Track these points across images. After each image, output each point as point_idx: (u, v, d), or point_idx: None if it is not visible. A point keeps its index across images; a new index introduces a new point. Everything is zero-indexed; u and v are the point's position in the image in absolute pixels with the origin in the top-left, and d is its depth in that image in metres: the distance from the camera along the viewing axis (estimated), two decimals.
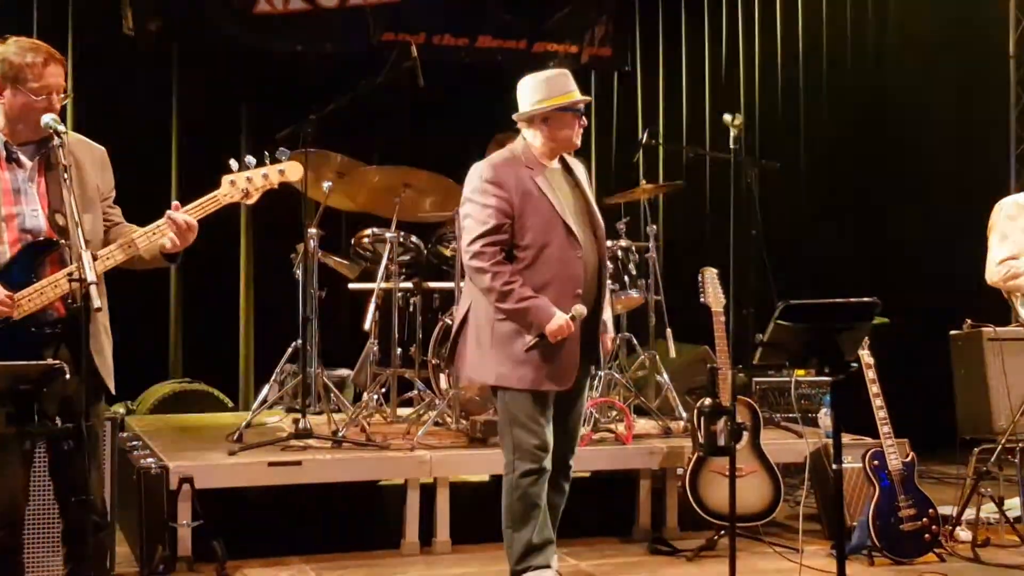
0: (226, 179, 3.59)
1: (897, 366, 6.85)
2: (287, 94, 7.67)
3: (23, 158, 3.52)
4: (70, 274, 3.35)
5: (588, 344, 4.44)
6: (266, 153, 3.67)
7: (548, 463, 4.36)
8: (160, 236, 3.50)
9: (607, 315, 4.61)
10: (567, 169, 4.56)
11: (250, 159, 3.63)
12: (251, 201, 3.62)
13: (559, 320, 4.23)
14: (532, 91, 4.43)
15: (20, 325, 3.39)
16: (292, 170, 3.65)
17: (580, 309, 4.25)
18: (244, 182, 3.58)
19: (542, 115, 4.41)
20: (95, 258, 3.36)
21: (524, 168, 4.39)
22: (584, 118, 4.51)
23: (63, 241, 3.43)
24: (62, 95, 3.50)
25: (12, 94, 3.45)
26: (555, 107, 4.39)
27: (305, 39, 7.73)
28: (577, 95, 4.44)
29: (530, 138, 4.46)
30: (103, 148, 3.71)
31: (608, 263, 4.81)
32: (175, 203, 3.54)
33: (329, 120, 7.76)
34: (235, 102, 7.58)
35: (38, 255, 3.46)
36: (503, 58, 8.12)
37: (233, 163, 3.63)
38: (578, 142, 4.50)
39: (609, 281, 4.82)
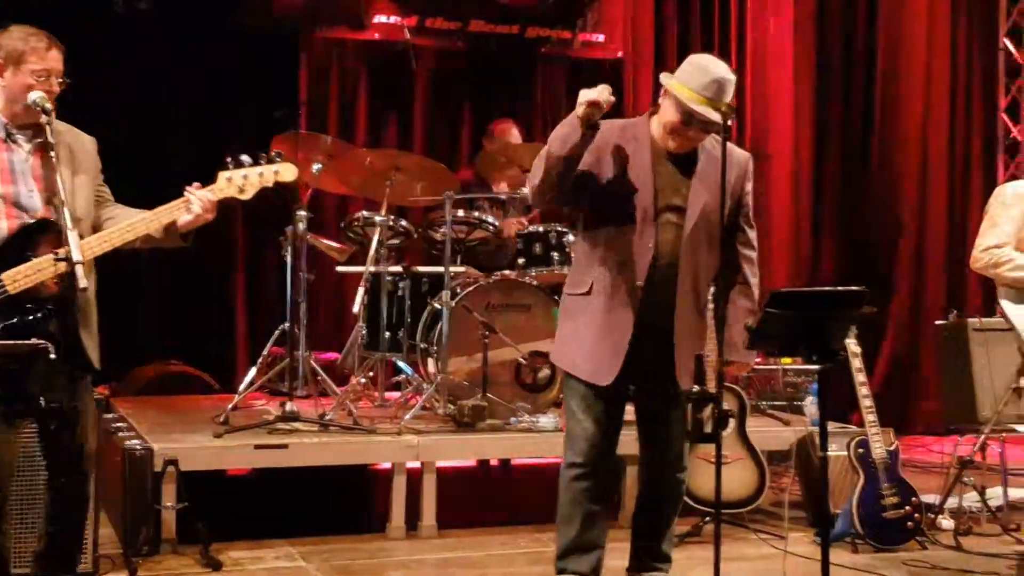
0: (222, 175, 3.74)
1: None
2: (280, 75, 7.66)
3: (21, 140, 3.64)
4: (56, 254, 3.40)
5: (661, 353, 4.03)
6: (262, 155, 3.80)
7: (597, 463, 4.07)
8: (174, 215, 3.65)
9: (739, 337, 4.02)
10: (692, 160, 4.04)
11: (246, 158, 3.79)
12: (245, 197, 3.77)
13: (587, 96, 3.74)
14: (684, 66, 3.99)
15: (14, 302, 3.46)
16: (286, 171, 3.81)
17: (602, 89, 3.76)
18: (240, 179, 3.74)
19: (664, 90, 3.99)
20: (81, 237, 3.46)
21: (631, 139, 4.00)
22: (698, 132, 3.97)
23: (59, 221, 3.52)
24: (60, 80, 3.63)
25: (13, 75, 3.59)
26: (674, 91, 3.93)
27: (296, 20, 7.71)
28: (703, 107, 3.86)
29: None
30: (92, 137, 3.85)
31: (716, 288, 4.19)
32: (195, 184, 3.70)
33: (319, 102, 7.82)
34: (230, 84, 7.55)
35: (34, 235, 3.53)
36: (495, 43, 8.11)
37: (229, 161, 3.78)
38: (671, 146, 4.01)
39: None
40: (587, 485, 4.07)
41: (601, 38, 8.46)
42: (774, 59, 8.84)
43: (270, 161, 3.80)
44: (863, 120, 9.05)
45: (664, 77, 4.00)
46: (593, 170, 3.99)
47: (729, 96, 3.95)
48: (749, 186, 4.19)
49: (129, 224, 3.62)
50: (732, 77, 3.97)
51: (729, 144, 4.05)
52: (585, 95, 3.79)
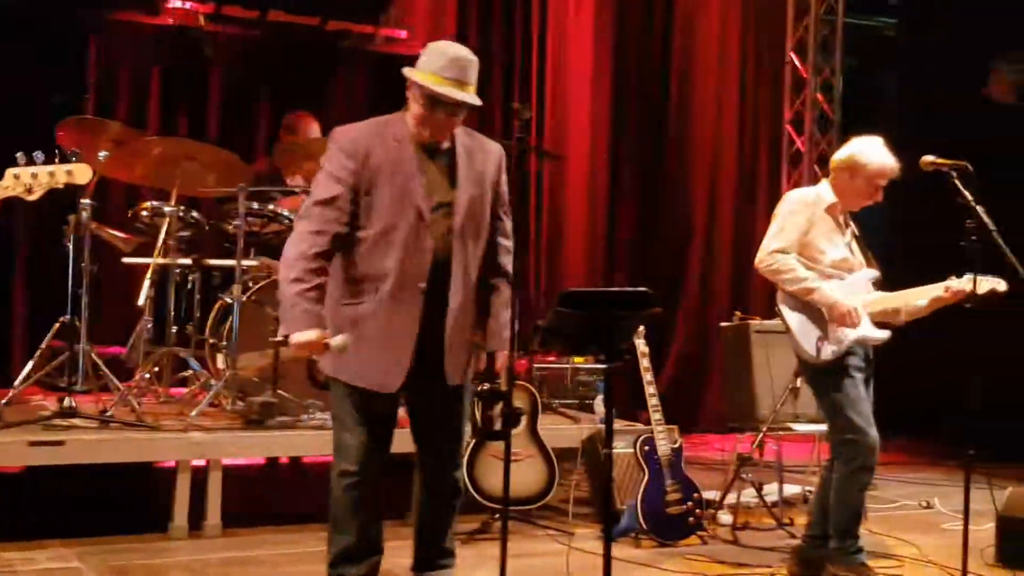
0: (10, 172, 3.57)
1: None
2: (67, 60, 7.36)
3: None
4: None
5: (434, 352, 3.96)
6: (57, 153, 3.60)
7: (371, 469, 3.98)
8: None
9: (501, 327, 4.07)
10: (453, 150, 4.00)
11: (39, 154, 3.55)
12: (33, 197, 3.58)
13: (304, 337, 3.81)
14: (425, 54, 3.90)
15: None
16: (80, 172, 3.64)
17: (341, 341, 3.83)
18: (28, 178, 3.56)
19: (409, 83, 3.91)
20: None
21: (392, 141, 3.93)
22: (447, 117, 3.89)
23: None
24: None
25: None
26: (413, 78, 3.86)
27: (85, 2, 7.42)
28: (445, 88, 3.82)
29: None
30: None
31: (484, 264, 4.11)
32: None
33: (109, 87, 7.55)
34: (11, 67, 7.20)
35: None
36: (294, 33, 7.98)
37: (20, 157, 3.59)
38: (425, 134, 3.93)
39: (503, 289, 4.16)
40: (361, 493, 3.99)
41: (404, 34, 8.44)
42: (574, 61, 9.00)
43: (64, 160, 3.60)
44: (658, 126, 9.30)
45: (405, 70, 3.95)
46: (361, 184, 3.91)
47: (473, 76, 3.92)
48: (504, 176, 4.19)
49: None
50: (474, 58, 3.93)
51: (480, 135, 4.11)
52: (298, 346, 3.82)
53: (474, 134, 4.12)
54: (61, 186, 3.61)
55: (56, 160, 3.61)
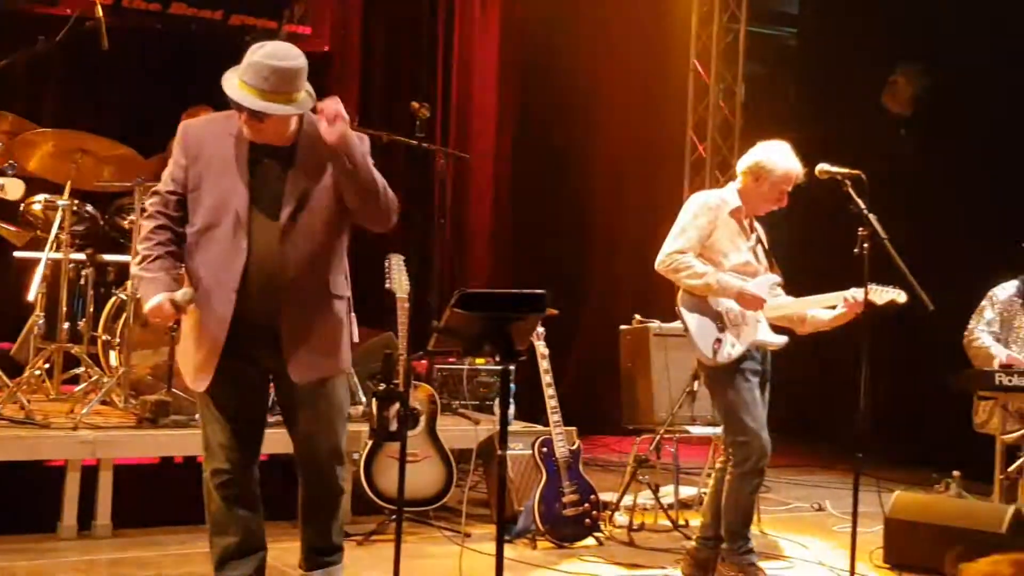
0: None
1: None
2: None
3: None
4: None
5: (274, 353, 3.86)
6: None
7: (241, 466, 3.93)
8: None
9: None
10: (294, 150, 3.85)
11: None
12: None
13: (151, 305, 3.75)
14: (245, 57, 3.73)
15: None
16: (12, 188, 3.44)
17: (184, 293, 3.76)
18: None
19: None
20: None
21: (228, 135, 3.82)
22: (260, 123, 3.73)
23: None
24: None
25: None
26: (229, 94, 3.71)
27: None
28: (251, 97, 3.66)
29: None
30: None
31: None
32: None
33: (3, 78, 7.34)
34: None
35: None
36: (197, 27, 7.87)
37: None
38: (251, 136, 3.79)
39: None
40: (235, 491, 3.94)
41: (308, 31, 8.37)
42: (479, 61, 9.00)
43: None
44: (562, 130, 9.33)
45: (224, 77, 3.77)
46: (189, 179, 3.85)
47: (290, 83, 3.71)
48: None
49: None
50: (293, 66, 3.72)
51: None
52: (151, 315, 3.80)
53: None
54: None
55: None
